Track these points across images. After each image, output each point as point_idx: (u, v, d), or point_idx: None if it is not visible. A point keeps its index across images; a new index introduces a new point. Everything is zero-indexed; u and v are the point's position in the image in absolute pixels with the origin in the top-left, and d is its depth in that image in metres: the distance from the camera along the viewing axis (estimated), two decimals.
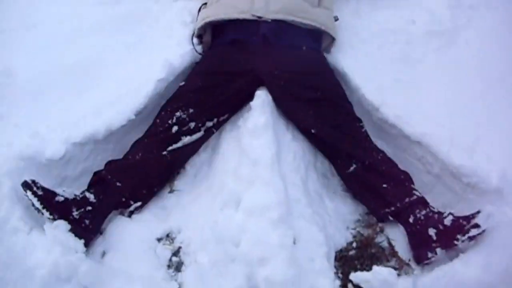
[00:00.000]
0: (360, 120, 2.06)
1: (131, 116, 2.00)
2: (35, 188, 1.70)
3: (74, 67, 2.22)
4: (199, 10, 2.35)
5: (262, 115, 1.94)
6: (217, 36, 2.27)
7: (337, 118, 2.01)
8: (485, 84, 2.24)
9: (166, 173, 2.02)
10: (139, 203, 1.93)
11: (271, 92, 2.09)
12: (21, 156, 1.83)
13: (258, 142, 1.86)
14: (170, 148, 1.96)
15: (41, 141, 1.89)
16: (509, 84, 2.24)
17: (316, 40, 2.26)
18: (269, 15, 2.13)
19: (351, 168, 1.97)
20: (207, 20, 2.21)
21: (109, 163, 1.93)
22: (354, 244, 1.86)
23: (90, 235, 1.80)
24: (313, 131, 2.02)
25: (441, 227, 1.73)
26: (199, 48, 2.28)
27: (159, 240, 1.87)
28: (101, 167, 1.96)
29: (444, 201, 1.95)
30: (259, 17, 2.12)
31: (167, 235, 1.90)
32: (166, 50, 2.24)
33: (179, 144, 1.98)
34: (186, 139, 1.99)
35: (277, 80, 2.06)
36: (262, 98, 2.02)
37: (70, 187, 1.92)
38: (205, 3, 2.36)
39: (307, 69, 2.09)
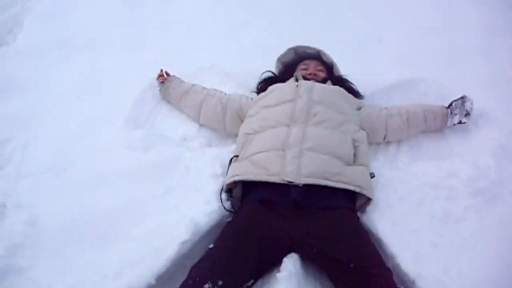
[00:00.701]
0: None
1: (151, 281, 1.91)
2: None
3: (99, 217, 2.19)
4: (230, 162, 2.34)
5: None
6: (247, 192, 2.23)
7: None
8: None
9: None
10: None
11: (306, 256, 2.02)
12: None
13: None
14: None
15: None
16: None
17: (351, 200, 2.19)
18: (301, 180, 2.08)
19: None
20: (237, 178, 2.18)
21: None
22: None
23: None
24: None
25: None
26: (227, 204, 2.22)
27: None
28: None
29: None
30: (290, 182, 2.09)
31: None
32: (193, 207, 2.19)
33: None
34: None
35: (309, 248, 1.99)
36: (289, 270, 1.91)
37: None
38: (237, 156, 2.35)
39: (343, 235, 1.99)
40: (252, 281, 2.01)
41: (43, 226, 2.17)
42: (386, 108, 2.68)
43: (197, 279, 1.85)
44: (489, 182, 2.32)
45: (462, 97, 2.67)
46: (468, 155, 2.49)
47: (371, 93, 2.89)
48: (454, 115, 2.65)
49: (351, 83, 2.77)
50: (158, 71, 2.99)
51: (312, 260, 2.04)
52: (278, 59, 2.95)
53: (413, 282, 1.95)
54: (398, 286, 1.89)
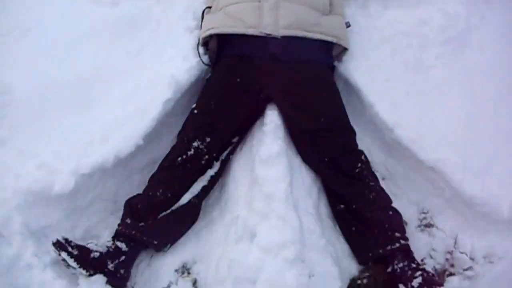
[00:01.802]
0: (359, 153, 2.00)
1: (139, 142, 1.95)
2: (70, 248, 1.71)
3: (75, 80, 2.14)
4: (202, 14, 2.26)
5: (275, 143, 1.90)
6: (223, 45, 2.18)
7: (334, 151, 1.95)
8: (498, 92, 2.21)
9: (195, 218, 2.01)
10: (169, 246, 1.94)
11: (281, 110, 2.05)
12: (29, 191, 1.80)
13: (271, 174, 1.84)
14: (196, 191, 1.94)
15: (49, 173, 1.85)
16: None
17: (327, 51, 2.20)
18: (279, 32, 2.05)
19: (339, 207, 1.95)
20: (212, 32, 2.12)
21: (132, 204, 1.89)
22: (367, 273, 1.89)
23: (125, 282, 1.84)
24: (309, 164, 2.02)
25: (409, 286, 1.74)
26: (205, 58, 2.19)
27: (177, 271, 1.90)
28: (110, 194, 1.97)
29: (452, 225, 1.98)
30: (268, 34, 2.04)
31: (183, 266, 1.91)
32: (171, 63, 2.15)
33: (205, 182, 1.96)
34: (207, 175, 1.97)
35: (287, 99, 2.03)
36: (274, 123, 1.98)
37: (81, 216, 1.92)
38: (209, 7, 2.26)
39: (314, 93, 2.03)
40: (237, 137, 2.07)
41: (17, 93, 2.11)
42: None
43: (185, 139, 1.93)
44: (458, 30, 2.35)
45: None
46: (439, 2, 2.47)
47: None
48: None
49: None
50: None
51: (285, 109, 2.07)
52: None
53: (391, 130, 2.05)
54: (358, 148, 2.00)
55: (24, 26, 2.34)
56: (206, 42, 2.22)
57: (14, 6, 2.44)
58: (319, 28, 2.11)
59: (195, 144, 1.91)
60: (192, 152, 1.90)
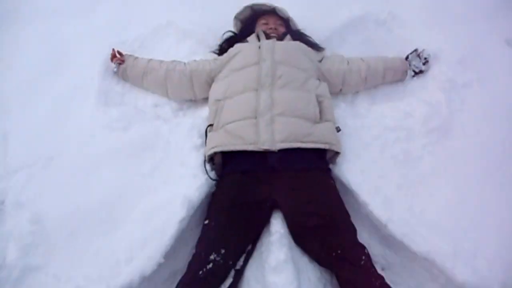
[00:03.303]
0: (362, 247, 2.13)
1: (160, 260, 2.13)
2: None
3: (99, 204, 2.34)
4: (206, 132, 2.51)
5: (281, 251, 2.11)
6: (227, 160, 2.40)
7: (340, 246, 2.10)
8: (483, 174, 2.42)
9: None
10: None
11: (286, 215, 2.26)
12: None
13: (280, 280, 2.03)
14: None
15: None
16: (506, 170, 2.43)
17: (322, 156, 2.41)
18: (276, 146, 2.28)
19: None
20: (216, 150, 2.36)
21: None
22: None
23: None
24: (316, 260, 2.21)
25: None
26: (212, 174, 2.41)
27: None
28: None
29: None
30: (266, 149, 2.28)
31: None
32: (182, 182, 2.37)
33: None
34: (226, 283, 2.09)
35: (290, 204, 2.23)
36: (279, 233, 2.19)
37: None
38: (211, 125, 2.51)
39: (314, 195, 2.22)
40: (250, 245, 2.26)
41: (47, 221, 2.31)
42: (348, 61, 2.84)
43: (203, 253, 2.11)
44: (441, 119, 2.59)
45: (415, 50, 2.89)
46: (421, 93, 2.74)
47: (327, 38, 3.03)
48: (413, 66, 2.87)
49: (309, 36, 2.91)
50: (110, 51, 2.97)
51: (291, 215, 2.26)
52: (236, 17, 3.03)
53: (385, 226, 2.24)
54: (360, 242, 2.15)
55: (46, 155, 2.58)
56: (211, 158, 2.44)
57: (32, 136, 2.71)
58: (312, 137, 2.34)
59: (211, 257, 2.07)
60: (210, 265, 2.05)
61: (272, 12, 2.98)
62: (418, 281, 2.24)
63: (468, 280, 2.05)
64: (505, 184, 2.42)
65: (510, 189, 2.40)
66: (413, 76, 2.88)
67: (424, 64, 2.85)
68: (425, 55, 2.85)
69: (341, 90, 2.85)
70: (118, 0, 3.54)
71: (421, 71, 2.87)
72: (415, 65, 2.86)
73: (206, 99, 2.76)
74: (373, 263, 2.15)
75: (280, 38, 2.82)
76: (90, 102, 2.80)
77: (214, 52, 2.93)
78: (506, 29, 3.11)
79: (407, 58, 2.90)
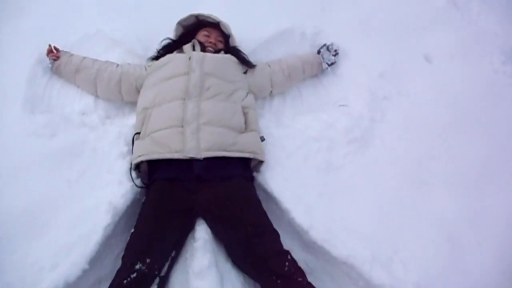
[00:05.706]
0: (286, 253, 2.18)
1: (85, 266, 2.13)
2: None
3: (23, 211, 2.30)
4: (133, 140, 2.53)
5: (205, 257, 2.16)
6: (153, 168, 2.43)
7: (264, 255, 2.13)
8: (400, 181, 2.57)
9: None
10: None
11: (210, 224, 2.31)
12: None
13: (204, 285, 2.08)
14: None
15: None
16: (422, 179, 2.60)
17: (246, 165, 2.49)
18: (201, 154, 2.34)
19: None
20: (143, 158, 2.39)
21: None
22: None
23: None
24: (242, 270, 2.27)
25: None
26: (138, 181, 2.44)
27: None
28: None
29: None
30: (192, 157, 2.33)
31: None
32: (108, 189, 2.39)
33: None
34: None
35: (211, 214, 2.30)
36: (203, 239, 2.24)
37: None
38: (138, 133, 2.53)
39: (237, 205, 2.28)
40: (174, 252, 2.28)
41: None
42: (268, 64, 2.96)
43: (128, 263, 2.11)
44: (362, 130, 2.74)
45: (324, 44, 3.11)
46: (342, 103, 2.87)
47: (253, 50, 3.08)
48: (326, 59, 3.07)
49: (244, 53, 2.94)
50: (47, 47, 2.94)
51: (214, 223, 2.33)
52: (179, 23, 3.03)
53: (307, 233, 2.32)
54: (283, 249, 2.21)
55: None
56: (137, 166, 2.47)
57: None
58: (236, 146, 2.42)
59: (137, 266, 2.08)
60: (135, 275, 2.06)
61: (215, 25, 3.02)
62: (339, 284, 2.33)
63: (384, 282, 2.18)
64: (421, 191, 2.59)
65: (426, 196, 2.58)
66: (327, 68, 3.09)
67: (334, 55, 3.09)
68: (334, 48, 3.08)
69: (271, 92, 2.96)
70: (46, 7, 3.45)
71: (333, 63, 3.09)
72: (327, 58, 3.07)
73: (134, 108, 2.78)
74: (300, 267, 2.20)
75: (216, 53, 2.85)
76: (16, 108, 2.73)
77: (152, 58, 2.94)
78: (425, 44, 3.30)
79: (318, 52, 3.10)
